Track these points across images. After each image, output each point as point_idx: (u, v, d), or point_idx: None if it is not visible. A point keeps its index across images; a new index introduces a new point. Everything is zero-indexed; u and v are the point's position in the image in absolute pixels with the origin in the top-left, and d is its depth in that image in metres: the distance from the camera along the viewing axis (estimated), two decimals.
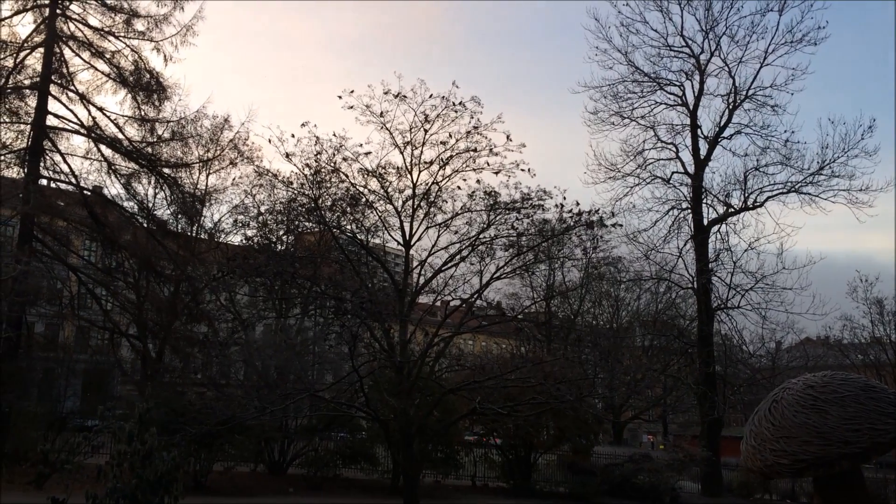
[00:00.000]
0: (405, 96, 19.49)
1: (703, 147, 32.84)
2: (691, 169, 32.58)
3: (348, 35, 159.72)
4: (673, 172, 32.76)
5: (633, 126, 33.28)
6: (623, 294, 44.21)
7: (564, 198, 19.27)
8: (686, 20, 33.26)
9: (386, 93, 19.51)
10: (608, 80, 33.26)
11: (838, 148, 30.59)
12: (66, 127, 26.52)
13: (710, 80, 32.85)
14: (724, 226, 31.88)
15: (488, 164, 19.62)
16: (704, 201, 32.51)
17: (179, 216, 29.97)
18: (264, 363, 23.81)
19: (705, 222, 32.10)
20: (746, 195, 31.90)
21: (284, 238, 27.40)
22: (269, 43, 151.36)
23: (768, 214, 32.29)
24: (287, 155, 19.53)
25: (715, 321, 31.43)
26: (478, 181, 19.85)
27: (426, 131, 19.90)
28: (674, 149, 33.07)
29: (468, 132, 19.59)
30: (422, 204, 20.40)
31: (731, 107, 32.40)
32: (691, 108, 32.84)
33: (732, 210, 32.15)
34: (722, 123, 32.43)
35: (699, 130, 32.87)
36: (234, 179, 32.15)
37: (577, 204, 19.08)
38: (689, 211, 32.14)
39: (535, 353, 27.48)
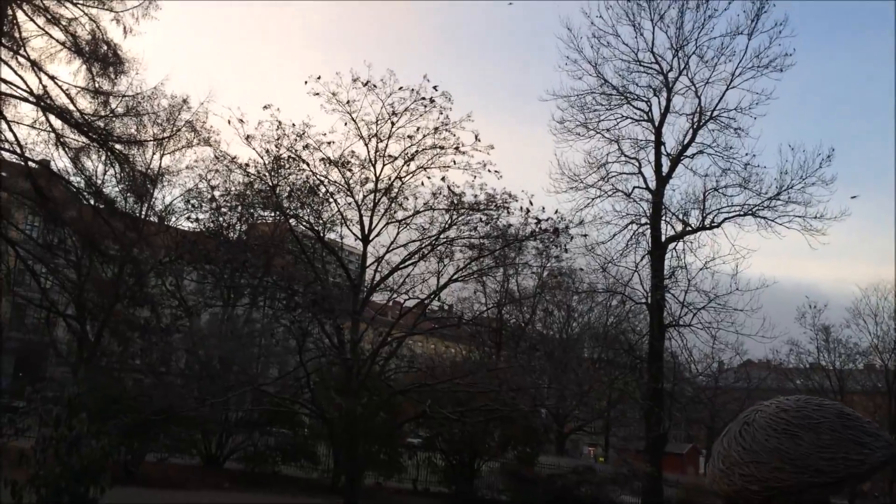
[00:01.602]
0: (374, 85, 19.00)
1: (666, 164, 32.93)
2: (653, 185, 32.64)
3: (319, 28, 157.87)
4: (635, 187, 32.78)
5: (599, 138, 33.18)
6: (575, 305, 44.36)
7: (531, 202, 18.98)
8: (657, 37, 33.23)
9: (355, 80, 18.99)
10: (577, 91, 33.11)
11: (796, 175, 30.91)
12: (14, 93, 25.29)
13: (677, 99, 32.97)
14: (681, 243, 31.99)
15: (455, 163, 19.25)
16: (663, 218, 32.59)
17: (129, 195, 28.85)
18: (207, 352, 23.00)
19: (663, 239, 32.17)
20: (704, 215, 32.08)
21: (237, 226, 26.64)
22: (236, 30, 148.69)
23: (725, 235, 32.39)
24: (247, 137, 18.89)
25: (666, 338, 31.50)
26: (443, 179, 19.45)
27: (393, 124, 19.44)
28: (637, 164, 33.10)
29: (436, 128, 19.17)
30: (383, 199, 19.91)
31: (695, 126, 32.55)
32: (657, 124, 32.90)
33: (690, 229, 32.30)
34: (685, 142, 32.57)
35: (663, 147, 32.96)
36: (188, 163, 31.18)
37: (543, 209, 18.82)
38: (648, 226, 32.17)
39: (488, 359, 27.07)
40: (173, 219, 31.90)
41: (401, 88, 19.33)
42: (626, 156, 33.15)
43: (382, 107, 19.40)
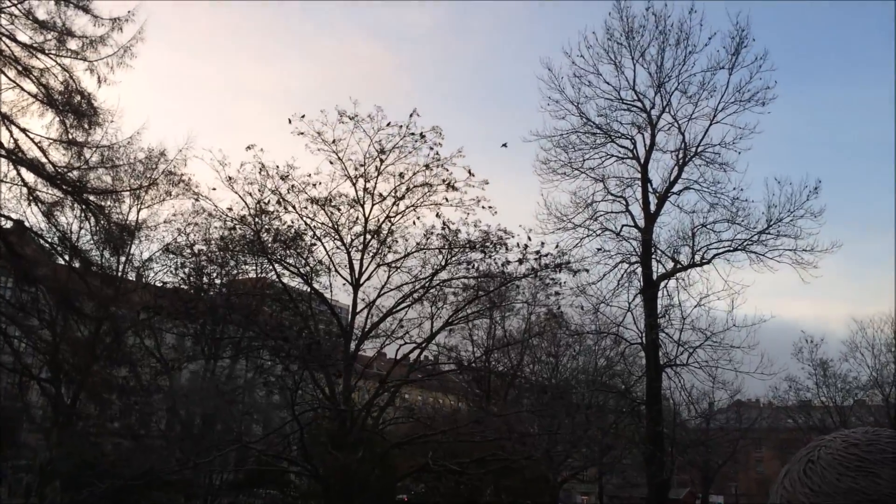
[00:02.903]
0: (362, 118, 18.37)
1: (653, 201, 32.53)
2: (641, 223, 32.17)
3: (299, 85, 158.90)
4: (623, 225, 32.24)
5: (584, 178, 32.71)
6: (564, 350, 43.47)
7: (529, 237, 18.29)
8: (638, 74, 33.07)
9: (341, 114, 18.36)
10: (560, 131, 32.74)
11: (784, 208, 30.61)
12: None
13: (661, 136, 32.71)
14: (673, 281, 31.40)
15: (447, 200, 18.58)
16: (654, 256, 32.05)
17: (104, 248, 27.86)
18: (189, 411, 21.83)
19: (655, 277, 31.57)
20: (694, 251, 31.58)
21: (218, 279, 25.73)
22: (214, 81, 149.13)
23: (717, 272, 31.96)
24: (229, 178, 18.14)
25: (663, 378, 30.67)
26: (437, 215, 18.74)
27: (381, 161, 18.79)
28: (624, 202, 32.63)
29: (427, 165, 18.55)
30: (372, 241, 19.14)
31: (680, 163, 32.25)
32: (642, 161, 32.56)
33: (681, 266, 31.74)
34: (672, 178, 32.22)
35: (649, 185, 32.59)
36: (167, 217, 30.46)
37: (543, 244, 18.12)
38: (639, 265, 31.59)
39: (480, 408, 26.05)
40: (151, 274, 30.92)
41: (389, 124, 18.79)
42: (612, 194, 32.74)
43: (370, 144, 18.83)
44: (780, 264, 30.70)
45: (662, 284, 31.58)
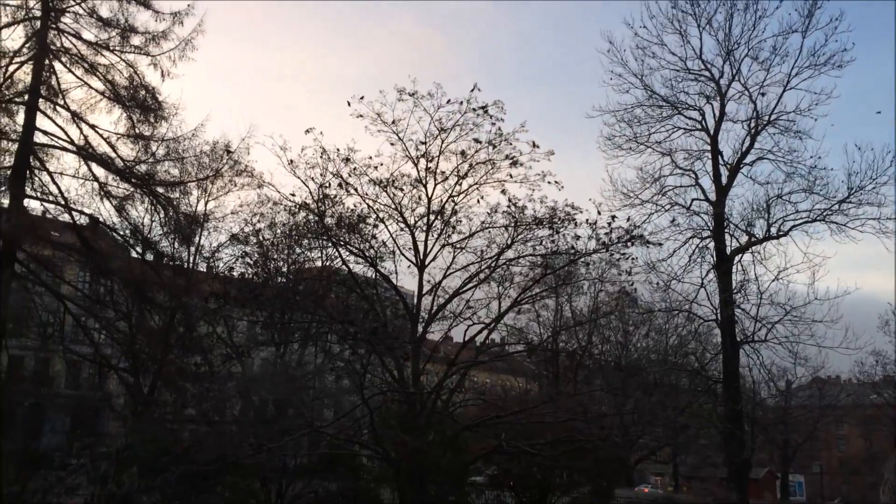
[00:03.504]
0: (422, 96, 18.04)
1: (724, 174, 31.37)
2: (712, 196, 31.08)
3: (354, 73, 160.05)
4: (693, 199, 31.23)
5: (650, 152, 31.81)
6: (635, 329, 42.54)
7: (599, 212, 17.73)
8: (705, 42, 31.86)
9: (401, 91, 18.06)
10: (624, 105, 31.86)
11: (865, 175, 29.12)
12: (56, 144, 25.06)
13: (731, 105, 31.50)
14: (748, 255, 30.26)
15: (511, 177, 18.11)
16: (726, 230, 30.94)
17: (174, 240, 28.39)
18: (261, 397, 22.05)
19: (728, 251, 30.49)
20: (770, 224, 30.39)
21: (284, 268, 25.91)
22: (268, 75, 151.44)
23: (794, 244, 30.61)
24: (290, 162, 18.08)
25: (740, 356, 29.65)
26: (503, 191, 18.31)
27: (443, 141, 18.44)
28: (693, 175, 31.59)
29: (489, 141, 18.12)
30: (436, 222, 18.84)
31: (752, 132, 31.00)
32: (712, 133, 31.42)
33: (756, 239, 30.58)
34: (744, 149, 31.02)
35: (720, 156, 31.42)
36: (233, 208, 30.94)
37: (614, 218, 17.55)
38: (711, 239, 30.55)
39: (564, 387, 25.59)
40: (220, 264, 31.39)
41: (449, 101, 18.40)
42: (680, 168, 31.74)
43: (431, 122, 18.48)
44: (862, 234, 29.34)
45: (737, 259, 30.52)
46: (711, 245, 30.58)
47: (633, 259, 19.08)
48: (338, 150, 18.74)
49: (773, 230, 30.34)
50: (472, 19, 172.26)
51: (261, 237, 21.20)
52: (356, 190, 18.97)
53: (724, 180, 31.26)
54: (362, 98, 18.83)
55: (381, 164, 18.82)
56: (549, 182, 18.33)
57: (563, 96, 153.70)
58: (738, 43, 30.67)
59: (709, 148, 31.61)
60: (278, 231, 21.04)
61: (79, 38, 25.55)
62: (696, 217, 31.17)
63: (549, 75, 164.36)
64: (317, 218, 19.06)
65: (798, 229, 30.26)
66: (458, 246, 19.15)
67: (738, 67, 30.86)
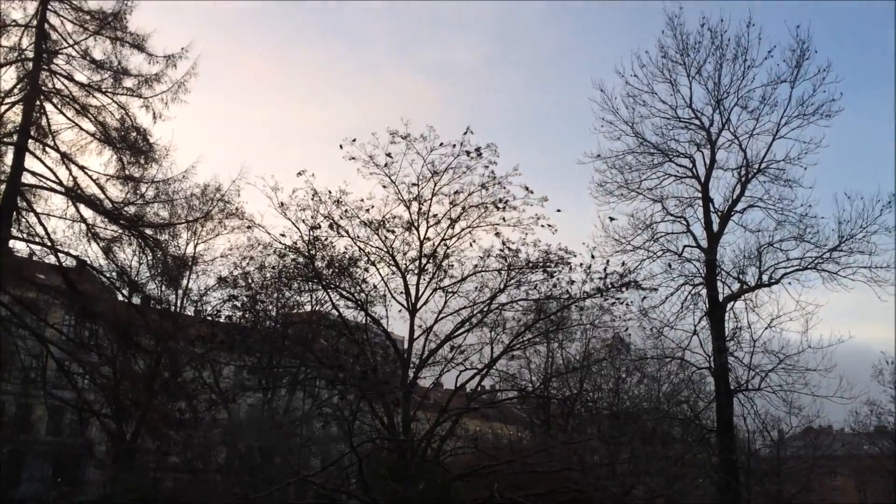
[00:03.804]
0: (415, 138, 17.98)
1: (715, 221, 31.40)
2: (704, 243, 31.04)
3: (346, 125, 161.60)
4: (685, 246, 31.10)
5: (641, 199, 31.75)
6: (626, 376, 42.09)
7: (593, 256, 17.58)
8: (695, 91, 32.11)
9: (393, 134, 17.99)
10: (615, 152, 31.92)
11: (856, 223, 29.17)
12: (44, 185, 24.88)
13: (721, 153, 31.61)
14: (740, 302, 30.09)
15: (504, 220, 17.96)
16: (718, 277, 30.85)
17: (162, 282, 28.02)
18: (248, 444, 21.49)
19: (720, 298, 30.34)
20: (762, 271, 30.30)
21: (274, 312, 25.55)
22: (260, 129, 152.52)
23: (787, 292, 30.55)
24: (281, 204, 17.91)
25: (734, 404, 29.25)
26: (497, 234, 18.13)
27: (435, 183, 18.35)
28: (684, 222, 31.53)
29: (483, 184, 18.03)
30: (428, 265, 18.61)
31: (742, 180, 31.09)
32: (703, 180, 31.48)
33: (748, 287, 30.45)
34: (734, 197, 31.05)
35: (711, 204, 31.46)
36: (223, 252, 30.65)
37: (608, 262, 17.41)
38: (703, 286, 30.40)
39: (556, 435, 25.10)
40: (209, 307, 30.99)
41: (441, 144, 18.32)
42: (672, 215, 31.69)
43: (423, 165, 18.38)
44: (854, 282, 29.24)
45: (729, 306, 30.29)
46: (704, 292, 30.40)
47: (628, 304, 18.84)
48: (329, 192, 18.60)
49: (765, 278, 30.21)
50: (466, 72, 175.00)
51: (249, 280, 20.89)
52: (347, 232, 18.76)
53: (715, 227, 31.24)
54: (354, 140, 18.78)
55: (373, 207, 18.69)
56: (542, 226, 18.23)
57: (555, 142, 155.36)
58: (727, 92, 30.93)
59: (700, 195, 31.66)
60: (267, 274, 20.75)
61: (71, 79, 25.64)
62: (688, 264, 31.07)
63: (541, 123, 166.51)
64: (307, 261, 18.78)
65: (790, 277, 30.14)
66: (450, 290, 18.90)
67: (728, 116, 31.08)
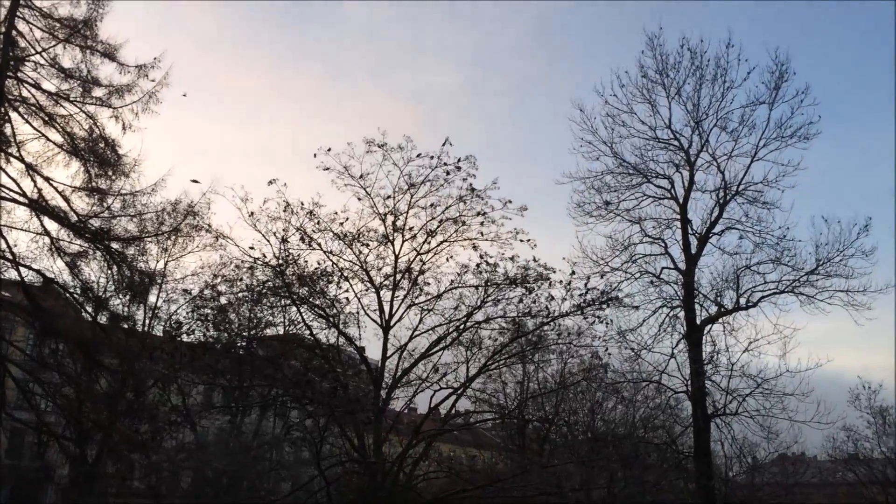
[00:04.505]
0: (392, 148, 17.50)
1: (694, 243, 31.21)
2: (682, 265, 30.79)
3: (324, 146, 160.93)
4: (663, 268, 30.84)
5: (620, 220, 31.54)
6: (601, 400, 41.55)
7: (573, 272, 17.14)
8: (674, 112, 32.10)
9: (370, 143, 17.50)
10: (593, 172, 31.73)
11: (833, 247, 29.13)
12: (6, 195, 23.99)
13: (700, 175, 31.53)
14: (717, 325, 29.82)
15: (482, 235, 17.51)
16: (696, 300, 30.57)
17: (128, 298, 27.11)
18: (215, 469, 20.65)
19: (698, 321, 30.04)
20: (739, 294, 30.09)
21: (244, 333, 24.82)
22: (235, 150, 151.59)
23: (764, 315, 30.34)
24: (251, 214, 17.32)
25: (711, 429, 28.84)
26: (475, 247, 17.64)
27: (412, 196, 17.86)
28: (663, 244, 31.30)
29: (461, 197, 17.57)
30: (402, 281, 18.06)
31: (721, 202, 30.99)
32: (681, 202, 31.32)
33: (725, 310, 30.22)
34: (712, 219, 30.92)
35: (689, 225, 31.27)
36: (194, 270, 29.83)
37: (588, 278, 16.97)
38: (681, 309, 30.10)
39: (532, 459, 24.49)
40: (179, 327, 30.07)
41: (419, 155, 17.88)
42: (650, 237, 31.48)
43: (400, 176, 17.91)
44: (831, 306, 29.09)
45: (707, 329, 30.01)
46: (682, 314, 30.13)
47: (607, 323, 18.41)
48: (302, 203, 18.05)
49: (743, 301, 29.98)
50: (446, 97, 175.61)
51: (217, 292, 20.17)
52: (319, 245, 18.20)
53: (693, 249, 31.02)
54: (329, 150, 18.29)
55: (347, 220, 18.16)
56: (521, 240, 17.83)
57: (533, 163, 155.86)
58: (706, 113, 30.91)
59: (678, 217, 31.46)
60: (235, 288, 20.05)
61: (38, 87, 24.81)
62: (666, 286, 30.79)
63: (519, 145, 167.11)
64: (276, 273, 18.15)
65: (767, 300, 29.94)
66: (426, 307, 18.35)
67: (707, 138, 31.04)
